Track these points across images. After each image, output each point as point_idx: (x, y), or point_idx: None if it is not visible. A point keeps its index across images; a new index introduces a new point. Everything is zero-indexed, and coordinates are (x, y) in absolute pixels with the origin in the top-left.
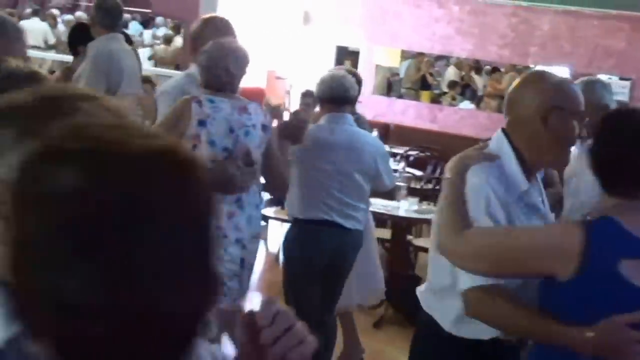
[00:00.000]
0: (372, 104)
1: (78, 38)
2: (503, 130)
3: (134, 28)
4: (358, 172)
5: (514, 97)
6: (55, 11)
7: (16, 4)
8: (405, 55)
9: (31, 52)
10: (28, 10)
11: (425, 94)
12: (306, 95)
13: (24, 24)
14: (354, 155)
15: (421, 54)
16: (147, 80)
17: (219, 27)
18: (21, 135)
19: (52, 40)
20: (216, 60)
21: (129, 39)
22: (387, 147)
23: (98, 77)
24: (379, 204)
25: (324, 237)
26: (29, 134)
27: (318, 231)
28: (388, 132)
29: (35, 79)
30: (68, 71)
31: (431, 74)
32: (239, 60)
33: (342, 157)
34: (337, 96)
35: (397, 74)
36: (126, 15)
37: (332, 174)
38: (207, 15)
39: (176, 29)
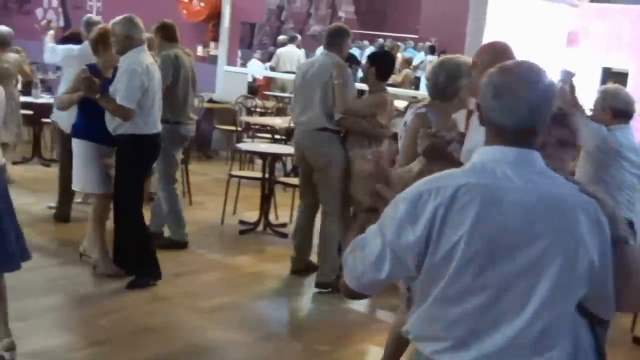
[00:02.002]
0: None
1: None
2: None
3: (408, 52)
4: None
5: None
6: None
7: (278, 32)
8: None
9: (284, 75)
10: (284, 37)
11: None
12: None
13: (281, 50)
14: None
15: None
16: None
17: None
18: None
19: None
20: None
21: (355, 60)
22: None
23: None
24: None
25: None
26: None
27: None
28: None
29: None
30: None
31: None
32: (445, 72)
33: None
34: (630, 111)
35: None
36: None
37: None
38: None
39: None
